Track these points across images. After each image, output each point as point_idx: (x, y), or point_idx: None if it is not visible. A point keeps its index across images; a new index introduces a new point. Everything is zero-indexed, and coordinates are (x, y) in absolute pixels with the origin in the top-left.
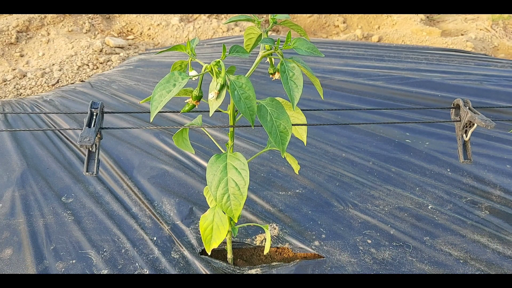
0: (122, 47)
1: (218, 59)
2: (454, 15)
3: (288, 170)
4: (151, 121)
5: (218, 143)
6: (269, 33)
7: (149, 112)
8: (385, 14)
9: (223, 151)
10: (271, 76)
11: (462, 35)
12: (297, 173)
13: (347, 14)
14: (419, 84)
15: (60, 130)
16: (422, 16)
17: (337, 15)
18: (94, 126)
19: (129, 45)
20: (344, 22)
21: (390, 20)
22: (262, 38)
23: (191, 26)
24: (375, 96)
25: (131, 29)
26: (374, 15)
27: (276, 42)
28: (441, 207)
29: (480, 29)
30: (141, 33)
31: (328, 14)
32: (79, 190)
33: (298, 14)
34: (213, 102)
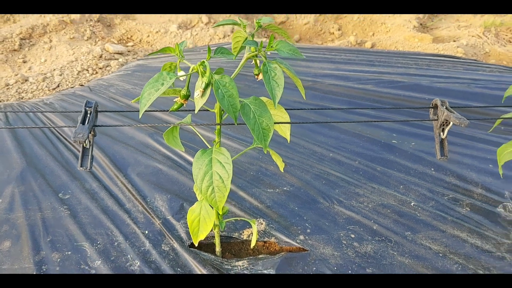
0: (121, 53)
1: (203, 60)
2: (448, 22)
3: (277, 168)
4: (139, 117)
5: (209, 143)
6: (265, 39)
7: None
8: (379, 21)
9: (209, 146)
10: (256, 76)
11: (454, 41)
12: (282, 171)
13: (342, 21)
14: (408, 88)
15: (57, 129)
16: (415, 23)
17: (333, 22)
18: (88, 123)
19: (128, 51)
20: (339, 29)
21: (384, 27)
22: (247, 41)
23: (188, 33)
24: (364, 99)
25: (131, 36)
26: (369, 22)
27: (259, 45)
28: (423, 204)
29: (472, 36)
30: (140, 40)
31: (323, 22)
32: (75, 187)
33: (294, 21)
34: (199, 100)
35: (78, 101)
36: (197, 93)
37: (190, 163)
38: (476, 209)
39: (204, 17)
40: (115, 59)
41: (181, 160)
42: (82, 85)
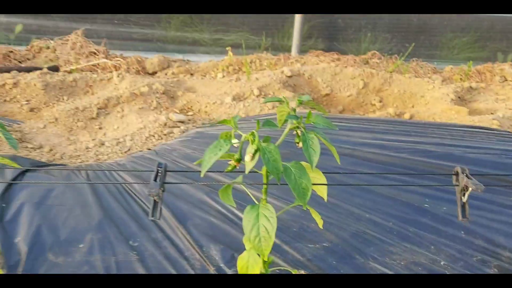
0: (182, 122)
1: (253, 130)
2: (486, 95)
3: (317, 226)
4: (201, 176)
5: (257, 200)
6: (309, 109)
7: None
8: (419, 94)
9: (257, 203)
10: (297, 144)
11: (492, 114)
12: (321, 227)
13: (383, 94)
14: (441, 157)
15: (128, 186)
16: (453, 96)
17: (374, 94)
18: (159, 180)
19: (189, 120)
20: (380, 101)
21: (423, 100)
22: (289, 115)
23: (241, 104)
24: (398, 166)
25: (191, 107)
26: (409, 95)
27: (299, 118)
28: (452, 264)
29: (510, 109)
30: (199, 110)
31: (365, 94)
32: (143, 236)
33: (338, 94)
34: (249, 163)
35: (146, 162)
36: (247, 157)
37: (240, 218)
38: (504, 270)
39: (255, 90)
40: (177, 126)
41: (232, 215)
42: (149, 149)
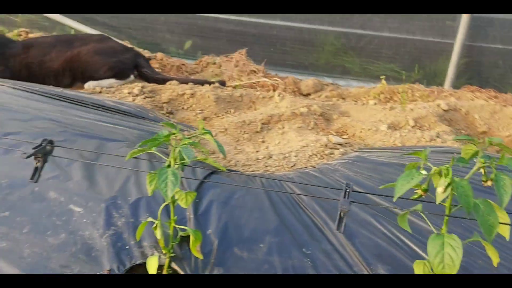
0: (340, 144)
1: (447, 166)
2: None
3: (484, 263)
4: (394, 200)
5: (428, 231)
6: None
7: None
8: None
9: (435, 232)
10: (483, 182)
11: None
12: (496, 265)
13: None
14: None
15: (299, 197)
16: None
17: None
18: (348, 198)
19: (346, 143)
20: None
21: None
22: (479, 154)
23: (397, 134)
24: None
25: (346, 130)
26: None
27: (491, 159)
28: None
29: None
30: (353, 134)
31: None
32: (313, 246)
33: (496, 132)
34: (440, 195)
35: (311, 178)
36: (440, 189)
37: (406, 245)
38: None
39: (411, 120)
40: (336, 148)
41: (398, 240)
42: (313, 167)
